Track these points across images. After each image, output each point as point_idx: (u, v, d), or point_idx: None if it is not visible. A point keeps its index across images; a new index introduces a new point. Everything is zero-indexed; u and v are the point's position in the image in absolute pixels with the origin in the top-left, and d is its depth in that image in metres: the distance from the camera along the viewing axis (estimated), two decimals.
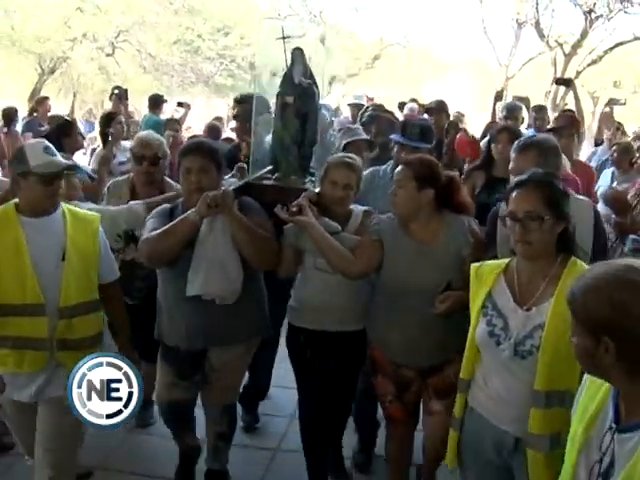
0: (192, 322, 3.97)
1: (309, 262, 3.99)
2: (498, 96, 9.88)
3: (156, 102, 10.26)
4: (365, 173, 4.57)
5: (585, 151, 8.89)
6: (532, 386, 2.81)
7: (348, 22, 27.92)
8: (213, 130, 8.97)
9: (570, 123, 6.31)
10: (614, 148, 7.39)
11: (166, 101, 10.72)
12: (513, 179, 3.50)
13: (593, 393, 2.16)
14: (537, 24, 23.74)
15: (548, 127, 6.69)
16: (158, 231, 3.84)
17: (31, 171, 3.45)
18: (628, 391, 2.01)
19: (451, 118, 7.78)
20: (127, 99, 9.35)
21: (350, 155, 4.23)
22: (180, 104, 10.82)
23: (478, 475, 3.11)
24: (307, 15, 27.12)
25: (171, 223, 3.84)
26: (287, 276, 4.14)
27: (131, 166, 4.97)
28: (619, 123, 10.18)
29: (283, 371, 4.93)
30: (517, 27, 24.90)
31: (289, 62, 4.31)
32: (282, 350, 4.58)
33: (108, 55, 24.46)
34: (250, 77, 25.97)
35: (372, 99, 10.59)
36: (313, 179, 4.40)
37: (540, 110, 8.06)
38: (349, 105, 9.96)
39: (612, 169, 7.02)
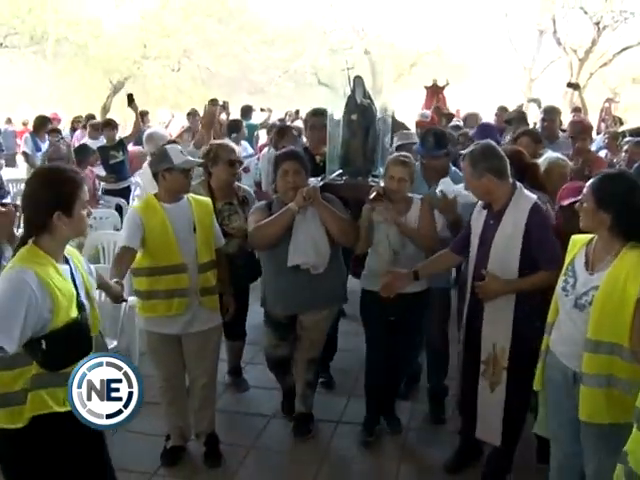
0: (289, 290, 4.28)
1: (380, 238, 4.25)
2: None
3: (247, 110, 10.97)
4: None
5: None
6: (585, 333, 2.97)
7: (388, 34, 27.72)
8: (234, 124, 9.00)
9: (582, 130, 6.49)
10: (606, 136, 7.92)
11: (255, 109, 11.28)
12: None
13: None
14: (555, 33, 23.88)
15: (566, 134, 6.77)
16: (266, 220, 4.20)
17: (175, 166, 3.95)
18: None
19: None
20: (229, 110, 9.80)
21: (404, 154, 4.41)
22: (263, 109, 11.48)
23: (552, 397, 3.30)
24: (351, 29, 27.29)
25: (276, 214, 4.19)
26: (362, 251, 4.39)
27: (212, 169, 4.83)
28: (617, 117, 10.57)
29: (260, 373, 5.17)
30: (538, 35, 24.97)
31: (352, 86, 4.56)
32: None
33: (173, 70, 25.07)
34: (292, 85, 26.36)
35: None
36: (376, 179, 4.62)
37: (550, 111, 7.74)
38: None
39: (605, 151, 7.45)
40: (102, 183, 8.59)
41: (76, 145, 11.00)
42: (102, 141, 9.16)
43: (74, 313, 2.73)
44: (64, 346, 2.73)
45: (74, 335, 2.75)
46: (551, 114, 6.91)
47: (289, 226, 4.17)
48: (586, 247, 3.11)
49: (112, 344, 4.66)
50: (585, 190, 3.07)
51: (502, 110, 9.90)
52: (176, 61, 24.70)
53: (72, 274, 2.81)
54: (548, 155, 4.76)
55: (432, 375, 4.79)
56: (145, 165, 6.74)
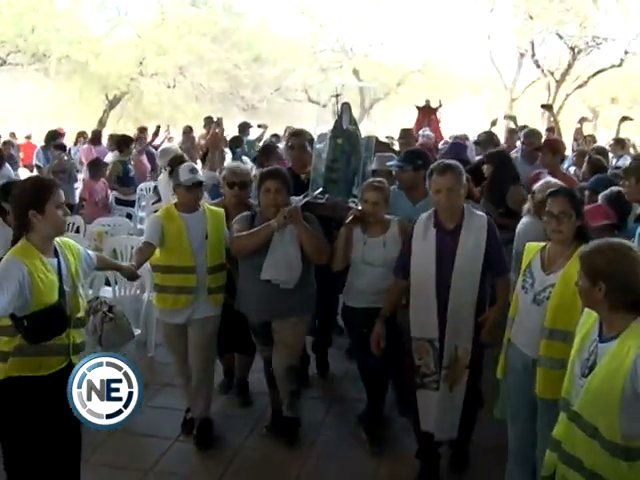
0: (260, 298, 4.41)
1: (358, 257, 4.38)
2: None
3: (244, 127, 11.33)
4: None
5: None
6: (542, 324, 3.33)
7: (375, 53, 28.18)
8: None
9: (547, 146, 6.55)
10: (575, 153, 8.66)
11: (252, 126, 11.55)
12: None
13: (586, 320, 2.76)
14: (533, 56, 24.68)
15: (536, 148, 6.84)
16: (247, 232, 4.34)
17: (181, 183, 4.44)
18: (607, 317, 2.60)
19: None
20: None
21: (378, 179, 4.52)
22: (259, 125, 11.70)
23: (512, 382, 3.62)
24: (340, 49, 27.73)
25: (257, 228, 4.32)
26: (339, 268, 4.47)
27: (224, 190, 5.06)
28: (590, 135, 11.10)
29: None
30: (519, 57, 25.68)
31: (339, 111, 4.78)
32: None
33: (169, 87, 25.51)
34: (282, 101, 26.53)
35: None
36: (356, 200, 4.74)
37: (529, 135, 7.66)
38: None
39: (574, 168, 8.03)
40: (114, 193, 8.94)
41: (82, 157, 11.52)
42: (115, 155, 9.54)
43: (54, 299, 3.14)
44: (42, 324, 3.11)
45: (51, 316, 3.13)
46: (530, 137, 7.08)
47: (267, 241, 4.32)
48: (540, 252, 3.48)
49: (137, 332, 5.13)
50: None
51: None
52: (172, 78, 25.17)
53: (59, 266, 3.23)
54: (548, 180, 4.81)
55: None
56: (161, 176, 7.37)
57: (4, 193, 4.59)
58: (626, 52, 24.36)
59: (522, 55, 25.61)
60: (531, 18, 23.80)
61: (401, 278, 4.07)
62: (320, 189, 4.87)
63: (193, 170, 4.52)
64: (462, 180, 3.91)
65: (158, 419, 4.83)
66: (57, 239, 3.35)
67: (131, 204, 9.07)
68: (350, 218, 4.30)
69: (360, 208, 4.42)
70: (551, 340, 3.30)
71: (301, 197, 4.65)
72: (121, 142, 9.39)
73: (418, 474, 4.22)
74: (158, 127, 10.78)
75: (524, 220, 4.67)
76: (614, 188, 4.68)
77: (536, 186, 4.61)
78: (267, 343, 4.63)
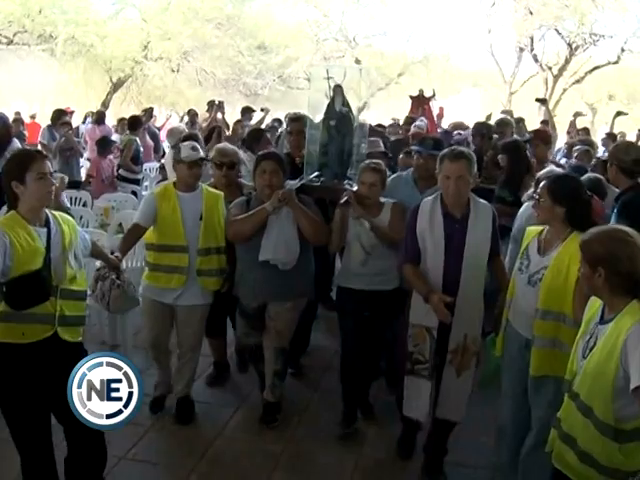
0: (258, 281, 4.41)
1: (353, 239, 4.38)
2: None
3: (246, 111, 11.55)
4: (393, 177, 5.00)
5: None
6: (536, 305, 3.39)
7: (378, 44, 28.25)
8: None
9: (536, 137, 6.94)
10: (565, 145, 9.20)
11: (254, 110, 11.74)
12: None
13: (592, 304, 2.83)
14: (532, 51, 24.97)
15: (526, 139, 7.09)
16: (242, 216, 4.36)
17: (182, 159, 4.44)
18: (608, 301, 2.69)
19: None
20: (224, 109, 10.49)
21: (375, 161, 4.53)
22: (262, 109, 11.95)
23: (508, 361, 3.69)
24: (343, 39, 27.79)
25: (252, 211, 4.34)
26: (336, 250, 4.54)
27: (212, 171, 5.08)
28: (584, 128, 11.46)
29: None
30: (518, 52, 25.86)
31: (332, 94, 4.71)
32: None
33: (173, 71, 25.52)
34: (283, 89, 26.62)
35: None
36: (351, 182, 4.75)
37: (519, 121, 8.65)
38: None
39: (565, 159, 8.43)
40: (120, 171, 9.18)
41: (86, 137, 11.78)
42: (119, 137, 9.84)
43: (36, 266, 3.14)
44: (21, 290, 3.13)
45: (31, 283, 3.13)
46: (501, 127, 7.42)
47: (263, 224, 4.33)
48: (538, 236, 3.56)
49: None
50: (540, 190, 3.51)
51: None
52: (176, 63, 25.22)
53: (49, 235, 3.24)
54: (552, 169, 5.05)
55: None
56: (167, 154, 7.59)
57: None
58: (622, 49, 24.62)
59: (521, 50, 25.85)
60: (531, 13, 23.99)
61: (415, 264, 3.90)
62: (316, 172, 4.87)
63: (194, 148, 4.51)
64: (472, 169, 3.84)
65: None
66: (55, 213, 3.38)
67: (136, 182, 9.27)
68: (343, 200, 4.27)
69: (355, 189, 4.42)
70: (543, 320, 3.38)
71: (297, 180, 4.68)
72: (133, 122, 9.73)
73: (396, 448, 4.38)
74: (145, 110, 11.04)
75: (525, 204, 4.85)
76: (591, 174, 4.97)
77: (541, 173, 4.77)
78: (257, 328, 4.60)
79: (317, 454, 4.44)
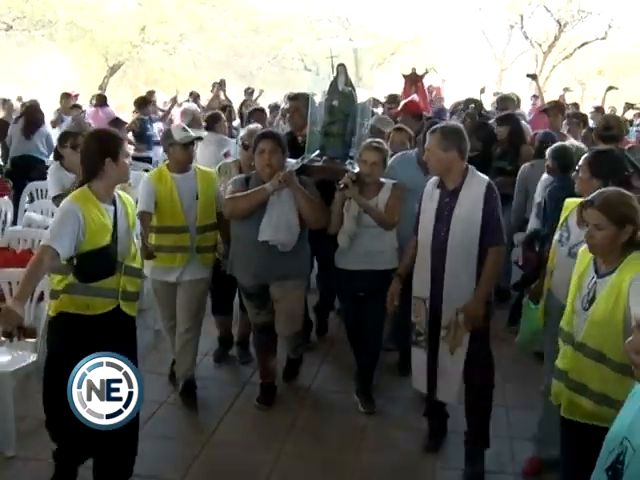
0: (255, 261, 4.35)
1: (348, 216, 4.34)
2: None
3: (249, 92, 12.01)
4: (398, 155, 4.95)
5: None
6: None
7: (370, 24, 28.32)
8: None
9: (555, 106, 7.33)
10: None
11: (253, 90, 12.21)
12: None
13: (582, 260, 2.93)
14: (522, 28, 25.25)
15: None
16: (241, 193, 4.28)
17: (175, 142, 4.41)
18: (610, 256, 2.77)
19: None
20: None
21: (377, 140, 4.46)
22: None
23: (550, 329, 3.57)
24: (336, 19, 27.89)
25: (252, 190, 4.28)
26: (335, 231, 4.38)
27: (240, 151, 5.09)
28: (574, 103, 11.91)
29: None
30: (509, 29, 26.10)
31: (335, 74, 4.62)
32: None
33: (170, 54, 25.58)
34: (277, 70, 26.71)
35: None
36: (352, 162, 4.65)
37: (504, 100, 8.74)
38: None
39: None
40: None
41: (89, 119, 11.98)
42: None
43: (105, 242, 3.24)
44: (91, 264, 3.23)
45: (100, 257, 3.24)
46: (504, 102, 7.90)
47: (262, 204, 4.27)
48: (578, 208, 3.34)
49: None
50: (581, 162, 3.59)
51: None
52: (172, 46, 25.32)
53: (115, 213, 3.34)
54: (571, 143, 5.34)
55: (401, 336, 4.82)
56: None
57: (63, 140, 5.50)
58: (610, 26, 24.94)
59: (512, 27, 26.15)
60: None
61: (415, 236, 3.98)
62: (317, 152, 4.80)
63: (185, 129, 4.57)
64: (448, 142, 3.72)
65: (145, 383, 4.40)
66: (120, 192, 3.48)
67: (146, 160, 9.41)
68: (342, 185, 4.24)
69: (356, 171, 4.37)
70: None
71: (298, 160, 4.65)
72: (140, 102, 10.04)
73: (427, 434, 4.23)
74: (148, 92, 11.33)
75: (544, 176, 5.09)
76: (559, 143, 5.23)
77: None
78: (262, 307, 4.55)
79: (327, 424, 4.49)
